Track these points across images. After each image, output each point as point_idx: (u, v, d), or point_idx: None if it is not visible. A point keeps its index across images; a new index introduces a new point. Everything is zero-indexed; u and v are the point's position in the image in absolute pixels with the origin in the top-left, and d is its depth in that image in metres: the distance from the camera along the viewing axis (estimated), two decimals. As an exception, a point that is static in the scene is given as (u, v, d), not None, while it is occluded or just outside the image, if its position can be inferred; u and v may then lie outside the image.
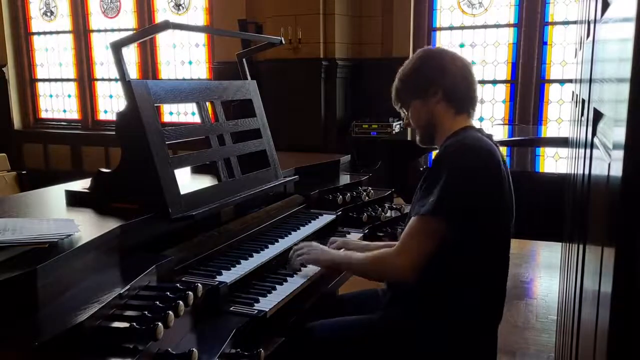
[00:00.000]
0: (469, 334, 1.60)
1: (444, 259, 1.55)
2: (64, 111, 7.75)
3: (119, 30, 7.12)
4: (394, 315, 1.65)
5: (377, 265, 1.63)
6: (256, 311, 1.46)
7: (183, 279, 1.46)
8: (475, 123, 1.78)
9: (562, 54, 5.51)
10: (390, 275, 1.65)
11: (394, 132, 5.47)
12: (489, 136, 1.68)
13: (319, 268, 1.79)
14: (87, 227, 1.39)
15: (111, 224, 1.44)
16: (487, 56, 5.79)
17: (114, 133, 2.33)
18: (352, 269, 1.74)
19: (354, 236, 2.16)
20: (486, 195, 1.54)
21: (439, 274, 1.56)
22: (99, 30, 7.34)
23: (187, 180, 2.13)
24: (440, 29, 5.92)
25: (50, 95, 7.79)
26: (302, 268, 1.77)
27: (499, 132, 5.00)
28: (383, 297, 1.79)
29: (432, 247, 1.53)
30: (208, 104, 1.95)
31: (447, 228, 1.52)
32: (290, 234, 1.99)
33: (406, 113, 1.77)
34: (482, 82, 5.82)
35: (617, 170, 0.73)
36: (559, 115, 5.62)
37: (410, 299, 1.63)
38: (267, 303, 1.52)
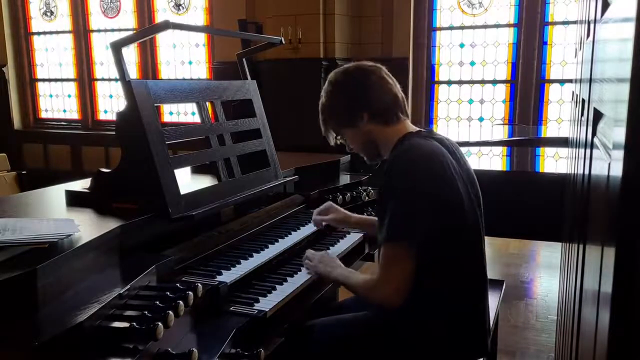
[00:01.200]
0: (462, 328, 1.61)
1: (423, 261, 1.54)
2: (64, 111, 7.75)
3: (119, 30, 7.11)
4: (388, 313, 1.65)
5: (367, 293, 1.63)
6: (256, 311, 1.46)
7: (183, 279, 1.46)
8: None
9: (562, 54, 5.51)
10: (378, 302, 1.62)
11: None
12: (429, 136, 1.65)
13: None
14: (87, 227, 1.39)
15: (111, 224, 1.44)
16: (487, 56, 5.79)
17: (114, 133, 2.33)
18: (348, 287, 1.72)
19: (354, 236, 2.16)
20: (435, 202, 1.51)
21: (422, 275, 1.56)
22: (99, 30, 7.34)
23: (187, 180, 2.13)
24: (440, 29, 5.92)
25: (50, 95, 7.78)
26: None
27: (499, 132, 5.01)
28: None
29: (409, 269, 1.52)
30: (208, 104, 1.95)
31: (412, 245, 1.51)
32: (290, 234, 1.99)
33: (343, 140, 1.78)
34: (482, 82, 5.82)
35: (617, 170, 0.73)
36: (559, 115, 5.61)
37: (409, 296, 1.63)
38: (267, 303, 1.52)
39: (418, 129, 1.71)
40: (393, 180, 1.54)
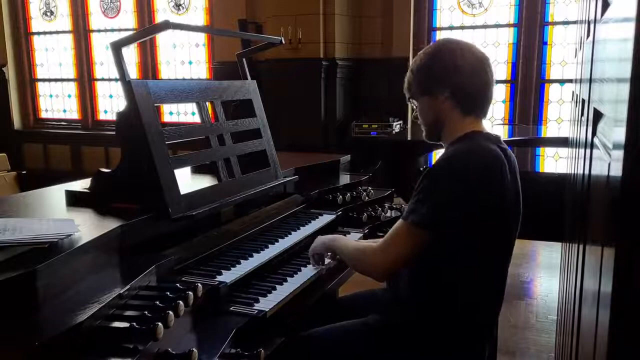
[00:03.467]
0: (467, 335, 1.60)
1: (440, 265, 1.54)
2: (64, 111, 7.75)
3: (119, 30, 7.11)
4: (393, 317, 1.65)
5: (358, 256, 1.65)
6: (256, 311, 1.46)
7: (183, 279, 1.46)
8: (487, 124, 1.74)
9: (562, 54, 5.51)
10: (365, 268, 1.63)
11: (394, 132, 5.46)
12: (497, 141, 1.61)
13: (319, 269, 1.81)
14: (87, 227, 1.39)
15: (111, 224, 1.44)
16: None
17: (114, 133, 2.33)
18: (343, 255, 1.74)
19: (354, 236, 2.16)
20: (482, 209, 1.49)
21: (437, 279, 1.56)
22: (99, 30, 7.34)
23: (187, 180, 2.13)
24: (440, 29, 5.91)
25: (51, 95, 7.78)
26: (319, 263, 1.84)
27: (499, 132, 5.00)
28: (382, 298, 1.79)
29: (411, 255, 1.52)
30: (208, 104, 1.95)
31: (436, 239, 1.50)
32: (290, 234, 1.99)
33: (415, 106, 1.72)
34: (482, 82, 5.81)
35: (617, 170, 0.73)
36: (559, 115, 5.61)
37: (410, 301, 1.62)
38: (267, 303, 1.52)
39: (487, 132, 1.66)
40: (444, 173, 1.50)
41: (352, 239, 2.08)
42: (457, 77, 1.60)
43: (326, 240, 1.82)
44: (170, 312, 1.17)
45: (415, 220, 1.49)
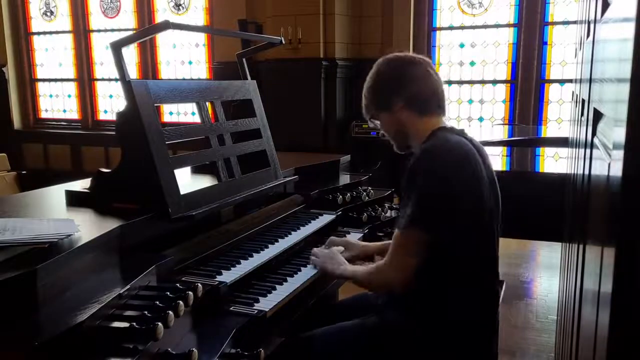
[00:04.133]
0: (465, 333, 1.60)
1: (434, 261, 1.56)
2: (64, 111, 7.75)
3: (119, 30, 7.11)
4: (391, 317, 1.65)
5: (372, 277, 1.69)
6: (256, 311, 1.46)
7: (183, 279, 1.46)
8: (453, 122, 1.80)
9: (562, 54, 5.51)
10: (382, 287, 1.71)
11: (394, 132, 5.46)
12: (461, 134, 1.68)
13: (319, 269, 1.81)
14: (87, 227, 1.39)
15: (111, 224, 1.44)
16: (487, 56, 5.78)
17: (114, 133, 2.33)
18: (357, 282, 1.76)
19: (354, 236, 2.16)
20: (460, 198, 1.54)
21: (430, 276, 1.57)
22: (99, 30, 7.34)
23: (187, 180, 2.13)
24: (440, 29, 5.91)
25: (50, 95, 7.78)
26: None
27: (499, 132, 5.00)
28: (378, 299, 1.79)
29: (419, 258, 1.55)
30: (208, 104, 1.95)
31: (429, 236, 1.54)
32: (290, 234, 1.99)
33: (377, 125, 1.82)
34: (482, 82, 5.82)
35: (617, 170, 0.73)
36: (559, 115, 5.61)
37: (406, 300, 1.63)
38: (267, 303, 1.52)
39: (451, 126, 1.74)
40: (420, 172, 1.56)
41: (352, 240, 2.08)
42: (405, 86, 1.70)
43: (330, 269, 1.79)
44: (170, 312, 1.17)
45: (406, 224, 1.55)
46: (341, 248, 1.92)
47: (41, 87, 7.80)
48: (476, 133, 5.22)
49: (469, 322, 1.60)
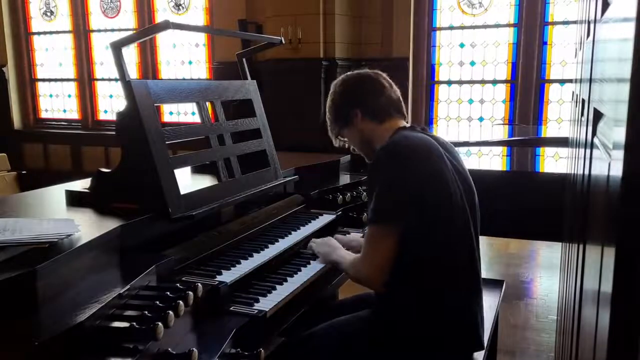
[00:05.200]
0: (446, 329, 1.61)
1: (406, 259, 1.57)
2: (64, 111, 7.75)
3: (119, 30, 7.11)
4: (381, 315, 1.67)
5: (352, 271, 1.72)
6: (256, 311, 1.46)
7: (183, 279, 1.46)
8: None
9: (562, 54, 5.51)
10: (362, 281, 1.70)
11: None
12: (422, 131, 1.73)
13: (319, 269, 1.81)
14: (87, 227, 1.39)
15: (111, 224, 1.44)
16: (487, 56, 5.78)
17: (114, 133, 2.33)
18: (342, 268, 1.81)
19: (354, 236, 2.16)
20: (420, 189, 1.55)
21: (405, 274, 1.58)
22: (99, 30, 7.34)
23: (187, 180, 2.13)
24: (440, 29, 5.91)
25: (51, 95, 7.78)
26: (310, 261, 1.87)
27: (499, 132, 5.01)
28: (373, 296, 1.80)
29: (391, 249, 1.57)
30: (208, 104, 1.95)
31: (393, 228, 1.56)
32: (290, 234, 1.99)
33: (344, 140, 1.91)
34: (482, 82, 5.82)
35: (617, 170, 0.73)
36: (559, 115, 5.61)
37: (388, 296, 1.64)
38: (267, 303, 1.52)
39: (412, 125, 1.80)
40: (380, 165, 1.61)
41: (355, 237, 2.09)
42: (360, 98, 1.80)
43: (325, 252, 1.86)
44: (170, 312, 1.17)
45: (373, 219, 1.58)
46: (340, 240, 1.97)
47: (41, 87, 7.80)
48: (476, 133, 5.22)
49: (448, 319, 1.61)
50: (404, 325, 1.61)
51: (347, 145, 1.94)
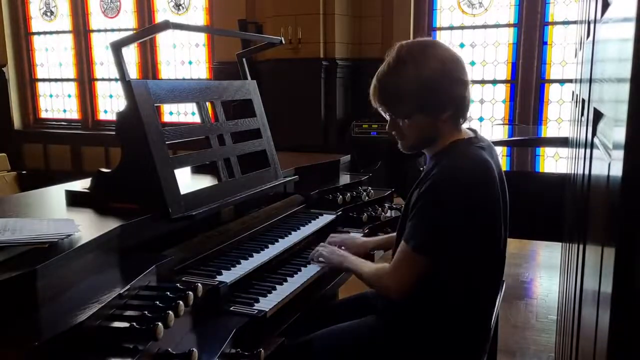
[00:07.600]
0: (464, 334, 1.60)
1: (437, 277, 1.54)
2: (64, 111, 7.75)
3: (119, 30, 7.11)
4: (388, 319, 1.66)
5: (373, 279, 1.67)
6: (256, 311, 1.46)
7: (183, 279, 1.46)
8: (475, 124, 1.76)
9: (562, 54, 5.51)
10: (381, 291, 1.68)
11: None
12: (479, 144, 1.58)
13: (319, 269, 1.81)
14: (87, 227, 1.39)
15: (111, 224, 1.44)
16: (487, 56, 5.78)
17: (114, 133, 2.33)
18: (358, 275, 1.75)
19: (354, 236, 2.15)
20: (475, 231, 1.51)
21: (431, 288, 1.56)
22: (99, 30, 7.34)
23: (187, 180, 2.12)
24: (440, 29, 5.91)
25: (50, 95, 7.78)
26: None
27: (499, 132, 5.00)
28: (375, 300, 1.79)
29: (424, 272, 1.53)
30: (208, 104, 1.95)
31: (436, 263, 1.52)
32: (290, 234, 1.98)
33: (392, 117, 1.60)
34: (482, 82, 5.82)
35: (617, 170, 0.73)
36: (559, 115, 5.61)
37: (405, 306, 1.62)
38: (267, 303, 1.52)
39: (469, 133, 1.61)
40: (441, 189, 1.48)
41: (350, 236, 2.07)
42: (459, 94, 1.52)
43: (337, 261, 1.80)
44: (170, 312, 1.17)
45: (417, 247, 1.51)
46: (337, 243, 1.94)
47: (41, 87, 7.80)
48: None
49: (466, 328, 1.60)
50: (418, 334, 1.59)
51: (389, 125, 1.62)
